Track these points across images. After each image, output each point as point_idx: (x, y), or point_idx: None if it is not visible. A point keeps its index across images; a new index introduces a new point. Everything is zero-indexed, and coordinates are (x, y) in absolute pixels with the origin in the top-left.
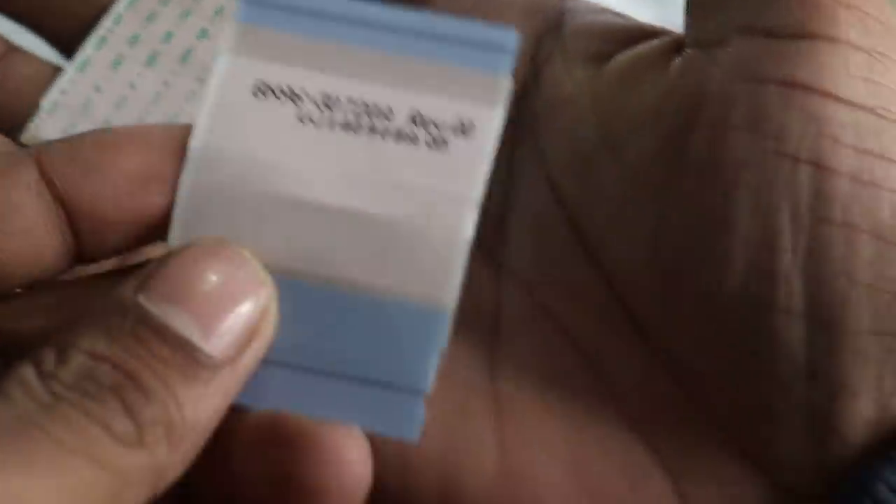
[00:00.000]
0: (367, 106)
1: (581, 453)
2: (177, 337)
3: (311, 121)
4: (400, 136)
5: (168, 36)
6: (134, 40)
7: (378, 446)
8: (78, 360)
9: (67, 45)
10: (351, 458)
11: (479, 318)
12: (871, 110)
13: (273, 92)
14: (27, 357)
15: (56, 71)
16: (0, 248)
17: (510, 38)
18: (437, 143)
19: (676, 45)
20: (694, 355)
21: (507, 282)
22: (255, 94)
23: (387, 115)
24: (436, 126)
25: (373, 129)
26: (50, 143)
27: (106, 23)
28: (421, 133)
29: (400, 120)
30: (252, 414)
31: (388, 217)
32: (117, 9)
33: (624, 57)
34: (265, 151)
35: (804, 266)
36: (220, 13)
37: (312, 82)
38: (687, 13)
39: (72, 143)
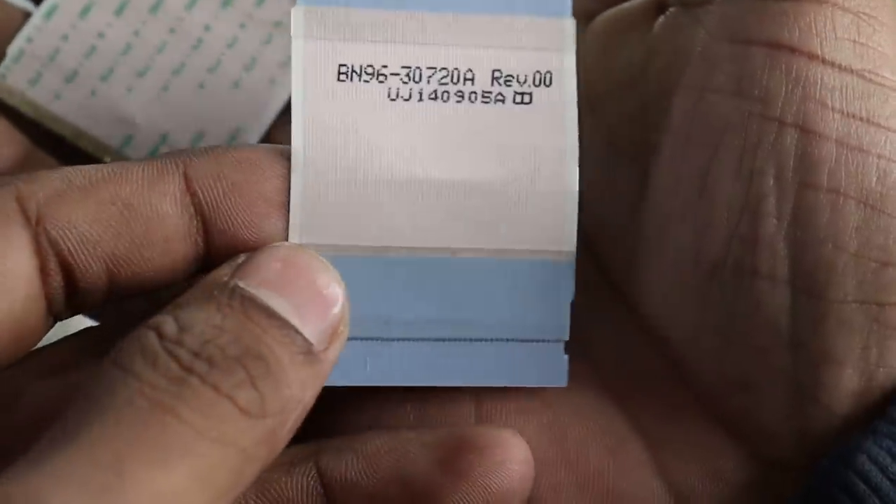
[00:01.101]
0: (448, 72)
1: (559, 420)
2: (282, 318)
3: (401, 96)
4: (486, 97)
5: None
6: None
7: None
8: (199, 328)
9: None
10: (517, 457)
11: None
12: (859, 73)
13: (357, 73)
14: (143, 325)
15: (26, 17)
16: (140, 254)
17: None
18: (523, 97)
19: (660, 4)
20: (673, 322)
21: None
22: (339, 80)
23: (469, 78)
24: (517, 81)
25: (460, 95)
26: (195, 155)
27: None
28: (505, 90)
29: (483, 81)
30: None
31: (495, 182)
32: None
33: (607, 15)
34: (363, 135)
35: (789, 232)
36: None
37: (391, 56)
38: None
39: (218, 161)
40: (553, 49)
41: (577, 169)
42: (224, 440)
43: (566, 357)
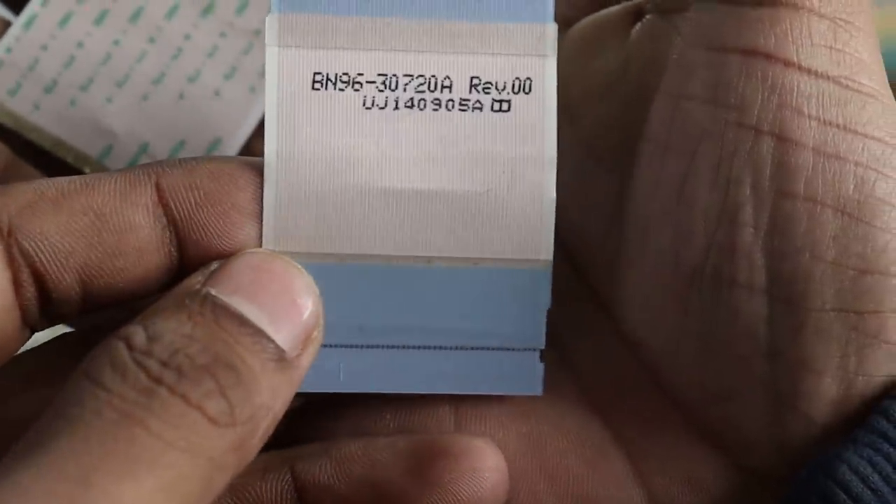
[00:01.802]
0: (425, 79)
1: (538, 430)
2: (253, 326)
3: (376, 105)
4: (464, 105)
5: None
6: None
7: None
8: (168, 337)
9: (15, 1)
10: (489, 465)
11: None
12: (835, 80)
13: (332, 82)
14: (113, 335)
15: (6, 26)
16: (113, 265)
17: None
18: (501, 105)
19: (638, 12)
20: (653, 330)
21: None
22: (314, 88)
23: (447, 85)
24: (496, 88)
25: (437, 103)
26: (168, 166)
27: None
28: (483, 98)
29: (460, 88)
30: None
31: (472, 190)
32: None
33: (585, 23)
34: (338, 144)
35: (766, 241)
36: None
37: (367, 64)
38: None
39: (191, 170)
40: (533, 55)
41: (555, 177)
42: (193, 450)
43: (542, 365)
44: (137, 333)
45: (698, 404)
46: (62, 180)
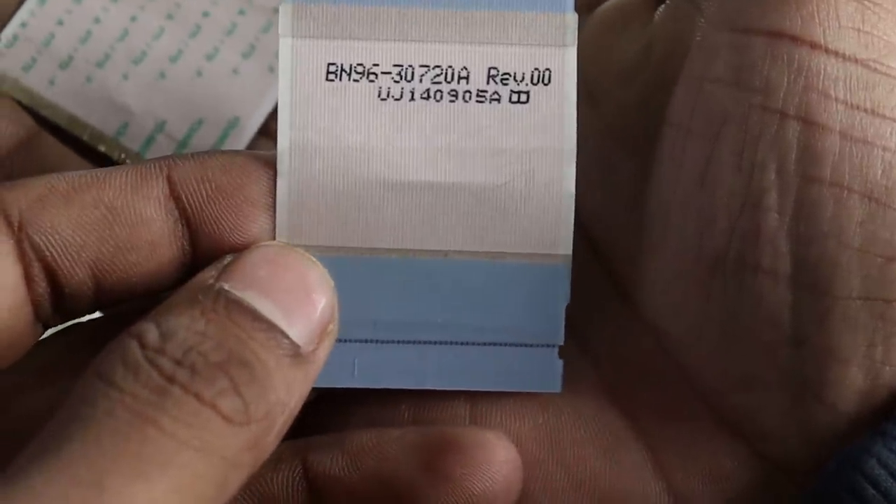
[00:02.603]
0: (442, 70)
1: (554, 420)
2: (268, 321)
3: (391, 96)
4: (481, 96)
5: None
6: None
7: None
8: (181, 335)
9: None
10: (500, 458)
11: None
12: (863, 63)
13: (346, 73)
14: (126, 333)
15: (21, 1)
16: (126, 259)
17: None
18: (520, 96)
19: None
20: (675, 317)
21: None
22: (328, 79)
23: (464, 76)
24: (514, 80)
25: (454, 94)
26: (179, 159)
27: None
28: (501, 89)
29: (478, 79)
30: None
31: (490, 183)
32: None
33: (608, 6)
34: (353, 136)
35: (791, 227)
36: None
37: (382, 54)
38: None
39: (202, 163)
40: (553, 45)
41: (574, 171)
42: (207, 449)
43: (560, 362)
44: (150, 331)
45: (721, 393)
46: (72, 174)
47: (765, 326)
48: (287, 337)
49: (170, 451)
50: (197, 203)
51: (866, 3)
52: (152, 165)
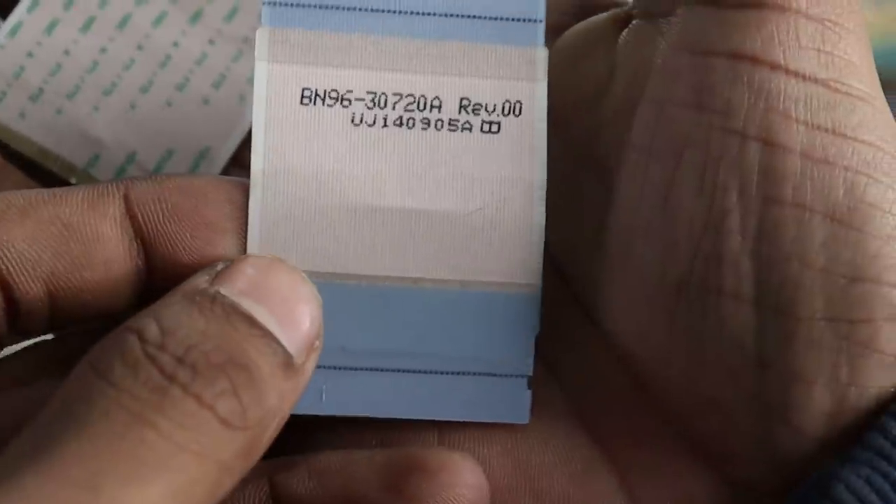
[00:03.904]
0: (415, 98)
1: (523, 445)
2: (263, 328)
3: (364, 122)
4: (453, 125)
5: (105, 0)
6: (69, 4)
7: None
8: (183, 332)
9: (2, 7)
10: (467, 481)
11: None
12: (824, 83)
13: (321, 98)
14: (124, 327)
15: None
16: (81, 276)
17: (538, 7)
18: (491, 126)
19: (626, 18)
20: (641, 342)
21: None
22: (303, 103)
23: (436, 105)
24: (486, 110)
25: (426, 122)
26: (137, 180)
27: None
28: (473, 119)
29: (450, 108)
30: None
31: (460, 211)
32: None
33: (574, 30)
34: (325, 160)
35: (754, 249)
36: None
37: (357, 81)
38: None
39: (159, 184)
40: (524, 79)
41: (544, 201)
42: (204, 453)
43: (529, 393)
44: (150, 326)
45: (688, 417)
46: (31, 192)
47: (730, 349)
48: (281, 345)
49: (167, 454)
50: (153, 223)
51: (827, 23)
52: (110, 185)
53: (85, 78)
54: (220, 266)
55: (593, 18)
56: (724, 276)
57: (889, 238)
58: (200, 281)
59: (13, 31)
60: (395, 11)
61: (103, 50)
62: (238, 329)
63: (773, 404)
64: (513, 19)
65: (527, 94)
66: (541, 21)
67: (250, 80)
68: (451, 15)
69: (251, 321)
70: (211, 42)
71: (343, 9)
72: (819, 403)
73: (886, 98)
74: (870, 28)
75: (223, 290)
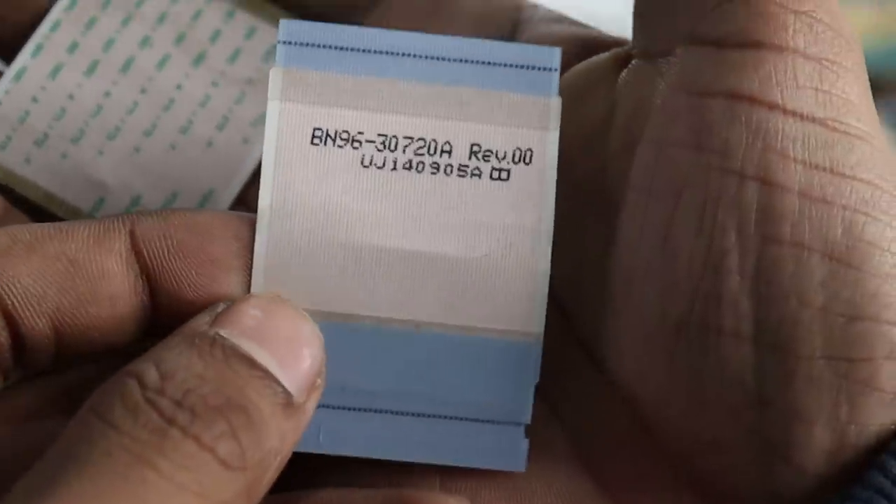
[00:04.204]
0: (425, 143)
1: (524, 486)
2: (263, 369)
3: (374, 164)
4: (463, 170)
5: (109, 44)
6: (73, 48)
7: None
8: (181, 375)
9: (7, 51)
10: None
11: None
12: (822, 122)
13: (331, 138)
14: (123, 371)
15: None
16: (86, 312)
17: (554, 57)
18: (500, 174)
19: (626, 58)
20: (642, 382)
21: None
22: (313, 143)
23: (447, 150)
24: (496, 157)
25: (435, 167)
26: (143, 216)
27: (43, 29)
28: (482, 165)
29: (460, 154)
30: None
31: (465, 257)
32: (55, 14)
33: (575, 70)
34: (333, 200)
35: (752, 288)
36: (162, 20)
37: (368, 123)
38: (634, 22)
39: (165, 220)
40: (536, 127)
41: (550, 250)
42: (205, 493)
43: (526, 441)
44: (149, 371)
45: (689, 456)
46: (37, 226)
47: (730, 388)
48: (281, 385)
49: (168, 493)
50: (158, 259)
51: (824, 62)
52: (115, 220)
53: (89, 122)
54: (220, 307)
55: (594, 58)
56: (724, 315)
57: (888, 276)
58: (200, 323)
59: (17, 76)
60: (409, 55)
61: (107, 94)
62: (237, 371)
63: (773, 442)
64: (528, 67)
65: (538, 142)
66: (556, 70)
67: (253, 122)
68: (466, 61)
69: (251, 363)
70: (214, 84)
71: (357, 51)
72: (819, 442)
73: (887, 99)
74: (871, 28)
75: (223, 332)
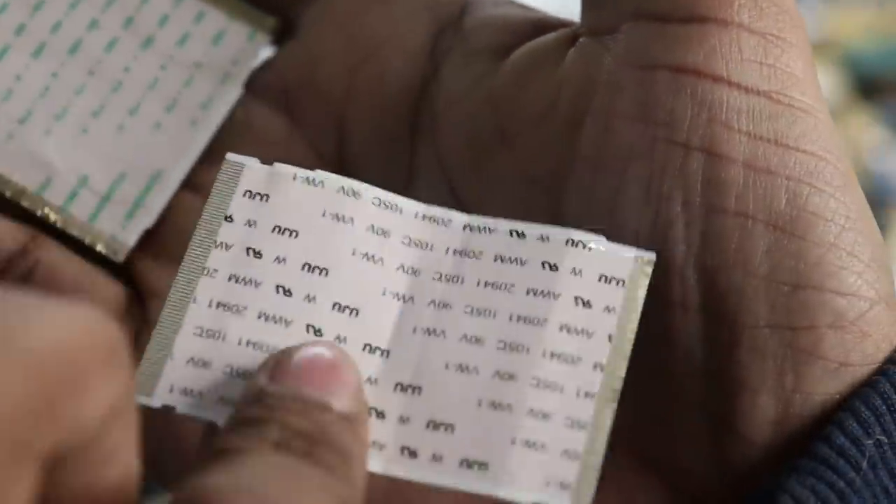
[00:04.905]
0: None
1: None
2: (325, 405)
3: None
4: None
5: (56, 26)
6: (20, 30)
7: None
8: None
9: None
10: None
11: None
12: (766, 94)
13: None
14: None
15: None
16: None
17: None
18: None
19: (574, 36)
20: None
21: None
22: None
23: None
24: None
25: None
26: None
27: None
28: None
29: None
30: None
31: None
32: None
33: (522, 50)
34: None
35: (698, 258)
36: (110, 3)
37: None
38: (582, 2)
39: None
40: None
41: None
42: None
43: None
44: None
45: (636, 429)
46: None
47: (677, 359)
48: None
49: None
50: None
51: (769, 36)
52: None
53: (37, 102)
54: (272, 359)
55: (542, 38)
56: (671, 285)
57: (831, 246)
58: (259, 381)
59: None
60: None
61: (54, 75)
62: (316, 419)
63: (719, 413)
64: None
65: None
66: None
67: (201, 105)
68: None
69: (323, 406)
70: (162, 67)
71: None
72: (765, 411)
73: (887, 99)
74: (870, 28)
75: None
